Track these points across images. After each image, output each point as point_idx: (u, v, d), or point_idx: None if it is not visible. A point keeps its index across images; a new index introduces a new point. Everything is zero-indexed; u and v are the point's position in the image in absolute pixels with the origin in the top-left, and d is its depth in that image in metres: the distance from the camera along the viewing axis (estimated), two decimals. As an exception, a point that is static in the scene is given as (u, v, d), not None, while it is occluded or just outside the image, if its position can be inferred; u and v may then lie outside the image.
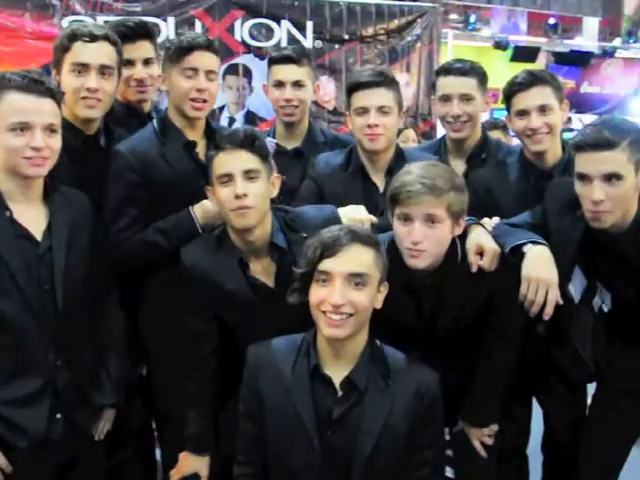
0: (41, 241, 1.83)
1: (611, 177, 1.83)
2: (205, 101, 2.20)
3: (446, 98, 2.53)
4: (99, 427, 2.01)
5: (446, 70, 2.57)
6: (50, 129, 1.79)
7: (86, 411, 1.94)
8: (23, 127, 1.75)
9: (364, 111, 2.31)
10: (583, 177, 1.88)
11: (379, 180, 2.39)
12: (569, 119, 7.78)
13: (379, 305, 1.76)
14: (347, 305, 1.65)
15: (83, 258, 1.90)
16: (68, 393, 1.86)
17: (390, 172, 2.35)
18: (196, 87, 2.16)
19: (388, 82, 2.33)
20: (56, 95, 1.82)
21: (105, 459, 2.10)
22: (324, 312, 1.67)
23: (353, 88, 2.35)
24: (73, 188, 1.99)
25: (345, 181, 2.38)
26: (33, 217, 1.84)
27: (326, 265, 1.67)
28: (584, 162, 1.87)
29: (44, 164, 1.79)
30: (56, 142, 1.82)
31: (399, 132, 3.72)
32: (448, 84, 2.54)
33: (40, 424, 1.81)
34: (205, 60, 2.18)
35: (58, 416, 1.84)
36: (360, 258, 1.68)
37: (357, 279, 1.67)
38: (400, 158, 2.39)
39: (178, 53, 2.18)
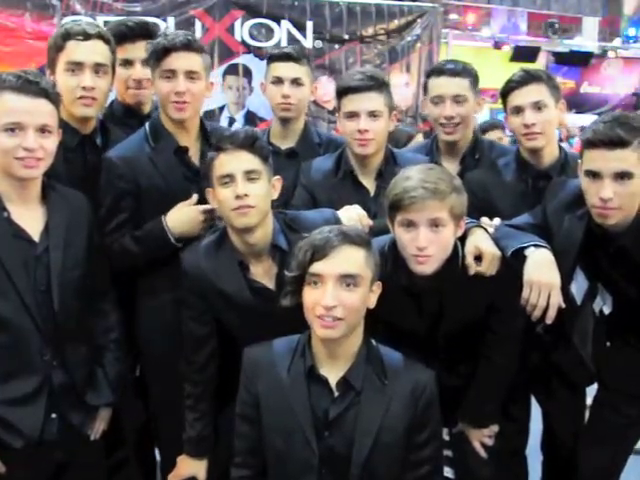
0: (38, 242, 1.83)
1: (622, 175, 1.83)
2: (187, 102, 2.15)
3: (439, 99, 2.51)
4: (95, 427, 2.01)
5: (438, 71, 2.54)
6: (44, 130, 1.78)
7: (82, 411, 1.93)
8: (16, 127, 1.74)
9: (354, 115, 2.28)
10: (593, 174, 1.87)
11: (369, 183, 2.37)
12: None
13: (372, 305, 1.75)
14: (339, 307, 1.65)
15: (80, 258, 1.90)
16: (64, 393, 1.86)
17: (380, 175, 2.34)
18: (174, 90, 2.12)
19: (379, 86, 2.29)
20: (51, 95, 1.80)
21: (104, 459, 2.10)
22: (317, 315, 1.67)
23: (343, 92, 2.32)
24: (70, 188, 1.98)
25: (336, 186, 2.36)
26: (31, 218, 1.84)
27: (317, 267, 1.67)
28: (595, 159, 1.86)
29: (37, 165, 1.78)
30: (50, 143, 1.80)
31: (410, 138, 3.71)
32: (441, 85, 2.51)
33: (35, 424, 1.81)
34: (183, 61, 2.13)
35: (53, 416, 1.84)
36: (351, 259, 1.68)
37: (349, 280, 1.67)
38: (390, 160, 2.38)
39: (156, 56, 2.14)
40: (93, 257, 1.95)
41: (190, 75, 2.14)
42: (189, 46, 2.14)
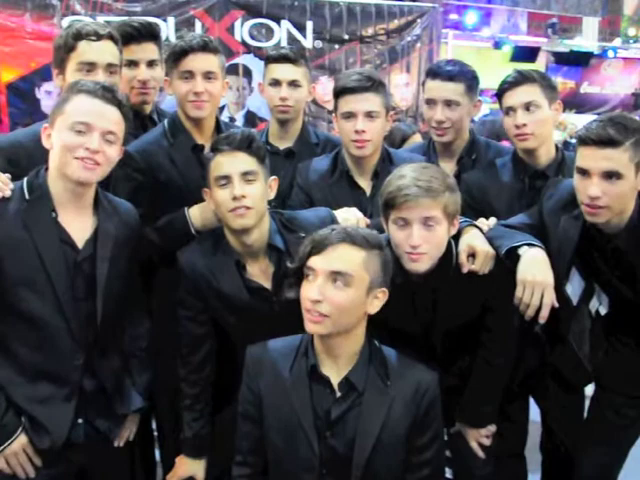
0: (81, 249, 1.83)
1: (611, 175, 1.83)
2: (205, 101, 2.20)
3: (431, 102, 2.51)
4: (122, 434, 2.00)
5: (435, 73, 2.52)
6: (109, 137, 1.79)
7: (109, 418, 1.94)
8: (83, 127, 1.75)
9: (351, 116, 2.29)
10: (583, 171, 1.88)
11: (365, 183, 2.38)
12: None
13: (373, 310, 1.74)
14: (325, 303, 1.65)
15: (123, 271, 1.91)
16: (93, 399, 1.88)
17: (377, 175, 2.35)
18: (193, 90, 2.18)
19: (376, 86, 2.30)
20: (123, 107, 1.83)
21: (130, 464, 2.11)
22: (306, 308, 1.68)
23: (340, 92, 2.32)
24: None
25: (332, 187, 2.37)
26: (79, 224, 1.84)
27: (312, 261, 1.68)
28: (585, 157, 1.87)
29: (95, 169, 1.78)
30: (112, 152, 1.81)
31: (404, 139, 3.71)
32: (434, 88, 2.50)
33: (63, 427, 1.82)
34: (200, 62, 2.19)
35: (80, 421, 1.86)
36: (346, 258, 1.67)
37: (339, 277, 1.66)
38: (387, 160, 2.39)
39: (174, 57, 2.20)
40: (134, 268, 1.98)
41: (208, 75, 2.20)
42: (206, 47, 2.20)
